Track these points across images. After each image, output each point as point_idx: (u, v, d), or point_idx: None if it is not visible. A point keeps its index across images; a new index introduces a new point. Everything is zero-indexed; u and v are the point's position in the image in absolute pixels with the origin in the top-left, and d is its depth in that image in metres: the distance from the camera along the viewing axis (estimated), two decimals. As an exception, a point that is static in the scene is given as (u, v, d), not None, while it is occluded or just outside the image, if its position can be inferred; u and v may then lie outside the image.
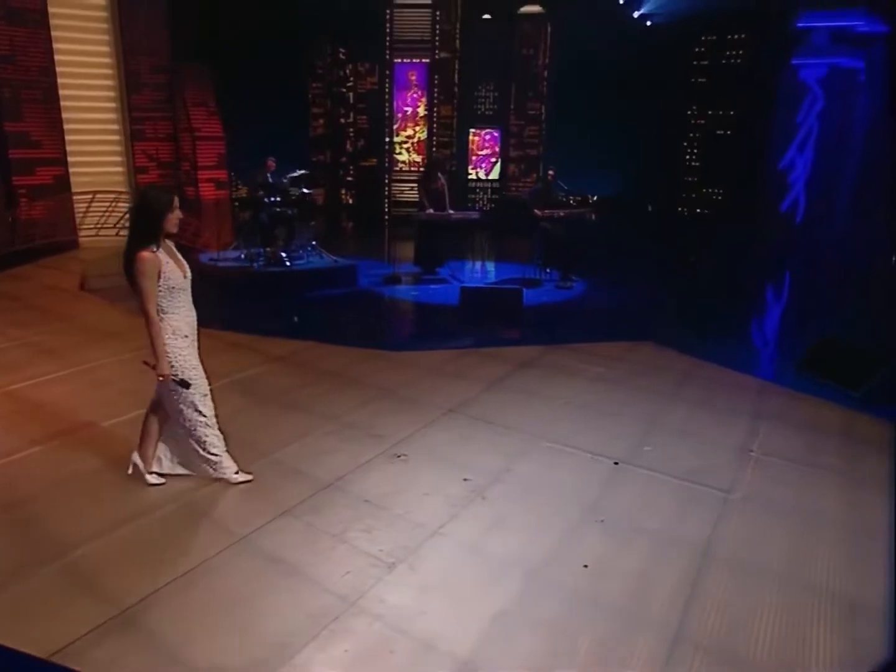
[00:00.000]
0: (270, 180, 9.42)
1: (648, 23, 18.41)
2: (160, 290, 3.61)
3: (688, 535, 3.64)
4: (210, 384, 4.00)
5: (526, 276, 9.97)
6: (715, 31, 15.04)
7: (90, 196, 11.55)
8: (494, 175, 17.46)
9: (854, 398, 5.73)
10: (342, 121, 17.45)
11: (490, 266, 11.04)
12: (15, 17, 11.34)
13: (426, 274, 10.02)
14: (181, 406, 3.83)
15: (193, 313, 3.84)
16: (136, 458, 4.02)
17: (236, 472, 4.05)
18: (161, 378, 3.71)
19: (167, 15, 12.70)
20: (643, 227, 16.64)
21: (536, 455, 4.53)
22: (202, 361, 3.95)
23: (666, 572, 3.32)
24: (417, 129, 16.46)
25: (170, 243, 3.75)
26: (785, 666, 2.76)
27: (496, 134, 17.27)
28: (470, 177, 17.19)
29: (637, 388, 5.91)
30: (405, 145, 16.87)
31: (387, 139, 16.83)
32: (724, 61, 15.14)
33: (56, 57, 11.87)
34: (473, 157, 17.34)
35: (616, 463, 4.44)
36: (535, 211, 9.62)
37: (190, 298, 3.80)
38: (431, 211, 9.64)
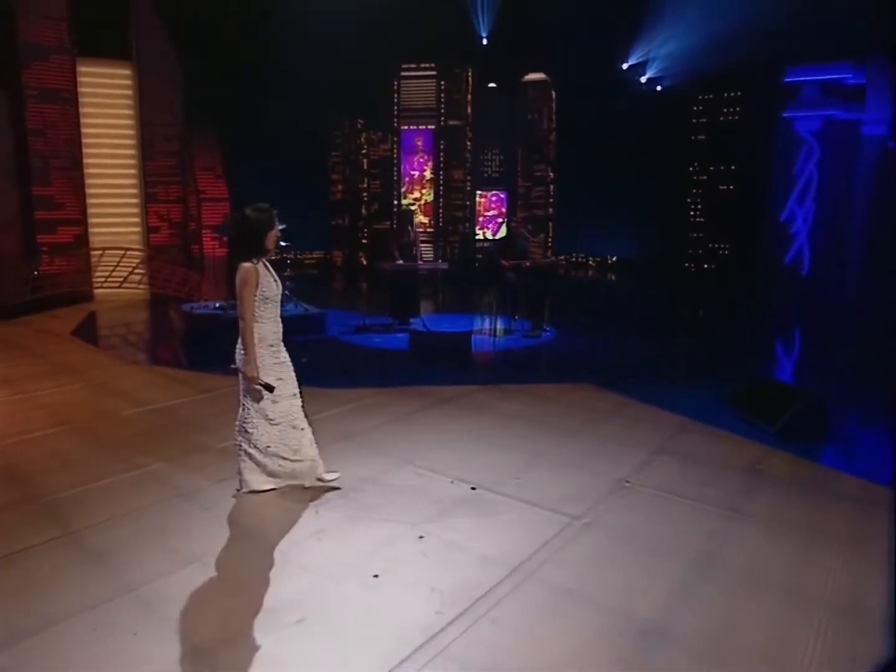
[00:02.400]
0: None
1: (658, 87, 18.88)
2: (256, 299, 3.88)
3: (505, 554, 3.54)
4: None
5: (498, 325, 10.01)
6: (711, 89, 15.28)
7: (100, 252, 12.49)
8: (501, 235, 17.77)
9: (773, 434, 5.49)
10: (360, 186, 18.33)
11: (466, 316, 11.12)
12: (48, 97, 12.69)
13: (400, 324, 10.18)
14: (253, 413, 4.03)
15: (280, 325, 4.09)
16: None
17: (319, 478, 4.21)
18: (249, 379, 3.94)
19: (183, 88, 13.96)
20: (660, 285, 16.45)
21: (395, 477, 4.53)
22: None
23: (455, 586, 3.23)
24: (424, 191, 17.13)
25: (265, 261, 4.02)
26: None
27: (502, 195, 17.73)
28: (478, 237, 17.61)
29: (548, 423, 5.82)
30: (412, 207, 17.52)
31: (395, 202, 17.54)
32: (721, 118, 15.27)
33: (83, 130, 13.15)
34: (480, 218, 17.78)
35: (473, 488, 4.38)
36: (502, 262, 9.75)
37: (279, 311, 4.07)
38: (401, 262, 9.90)
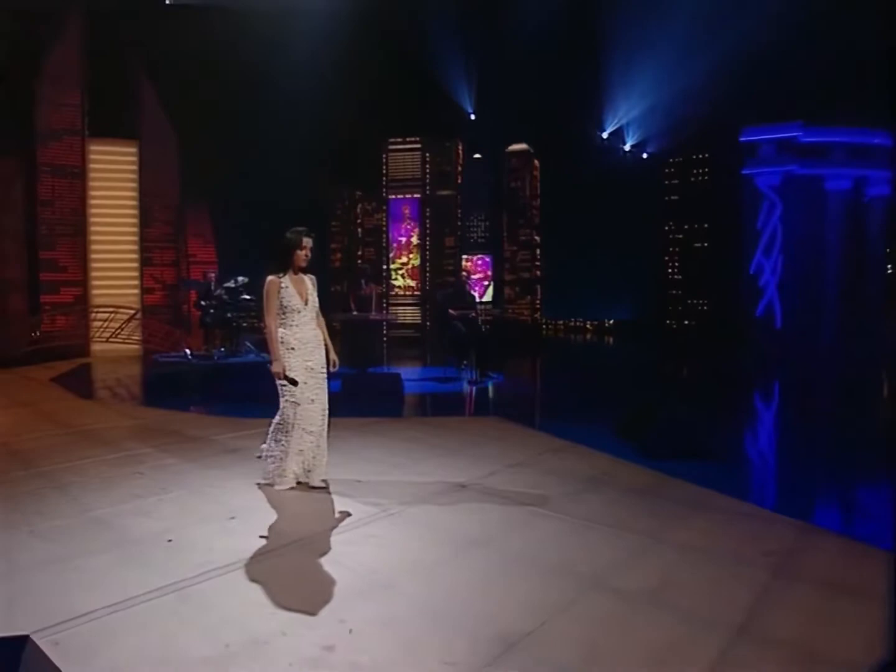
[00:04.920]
0: (212, 289, 10.75)
1: (645, 155, 19.60)
2: (278, 308, 4.55)
3: (297, 532, 3.83)
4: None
5: (448, 374, 10.34)
6: (680, 153, 15.90)
7: (95, 311, 13.50)
8: (488, 297, 18.39)
9: (643, 453, 5.62)
10: (356, 253, 19.36)
11: (424, 367, 11.51)
12: (59, 172, 14.13)
13: (359, 373, 10.57)
14: (283, 416, 4.66)
15: (306, 332, 4.62)
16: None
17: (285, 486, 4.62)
18: (273, 375, 4.55)
19: (180, 161, 15.35)
20: (649, 345, 16.55)
21: (248, 479, 4.83)
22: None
23: (232, 549, 3.54)
24: (411, 256, 17.99)
25: (303, 276, 4.67)
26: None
27: (487, 259, 18.43)
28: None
29: (432, 445, 6.08)
30: (400, 272, 18.39)
31: (384, 267, 18.43)
32: (692, 178, 15.80)
33: (90, 201, 14.50)
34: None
35: (312, 487, 4.65)
36: (450, 311, 10.17)
37: (305, 320, 4.62)
38: (355, 312, 10.46)
